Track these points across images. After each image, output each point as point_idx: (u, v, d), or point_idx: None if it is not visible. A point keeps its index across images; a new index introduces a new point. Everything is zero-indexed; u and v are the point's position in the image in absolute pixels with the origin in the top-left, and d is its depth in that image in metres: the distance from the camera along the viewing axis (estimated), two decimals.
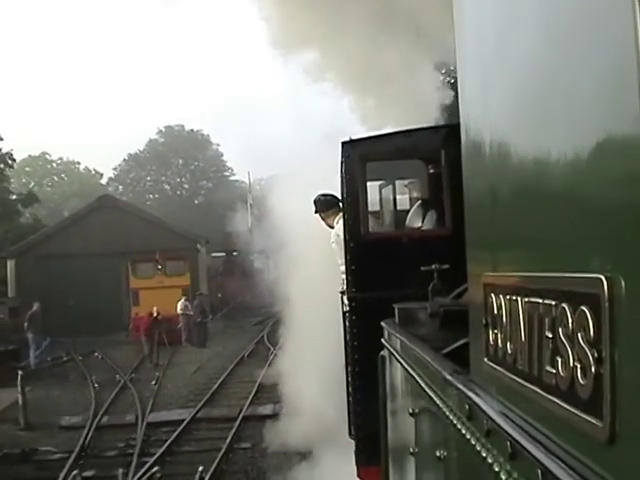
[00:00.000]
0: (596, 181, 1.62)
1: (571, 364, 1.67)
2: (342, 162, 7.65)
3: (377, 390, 5.84)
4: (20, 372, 18.34)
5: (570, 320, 1.67)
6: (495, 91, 2.41)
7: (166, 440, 15.15)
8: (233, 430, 15.60)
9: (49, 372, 24.56)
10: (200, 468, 12.42)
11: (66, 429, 17.08)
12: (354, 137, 7.73)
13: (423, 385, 3.61)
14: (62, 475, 12.66)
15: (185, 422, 16.62)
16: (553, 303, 1.78)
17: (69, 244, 37.30)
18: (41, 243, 38.27)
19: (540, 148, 2.00)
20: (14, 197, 41.11)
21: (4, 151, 38.47)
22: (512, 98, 2.26)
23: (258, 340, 30.17)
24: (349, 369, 8.00)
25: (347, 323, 8.00)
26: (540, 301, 1.88)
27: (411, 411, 4.06)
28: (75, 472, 12.65)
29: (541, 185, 1.99)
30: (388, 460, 5.61)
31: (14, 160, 40.70)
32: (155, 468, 12.86)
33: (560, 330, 1.73)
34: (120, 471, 12.71)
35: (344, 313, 8.48)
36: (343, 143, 7.54)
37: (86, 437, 15.57)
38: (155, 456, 13.82)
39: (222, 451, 14.07)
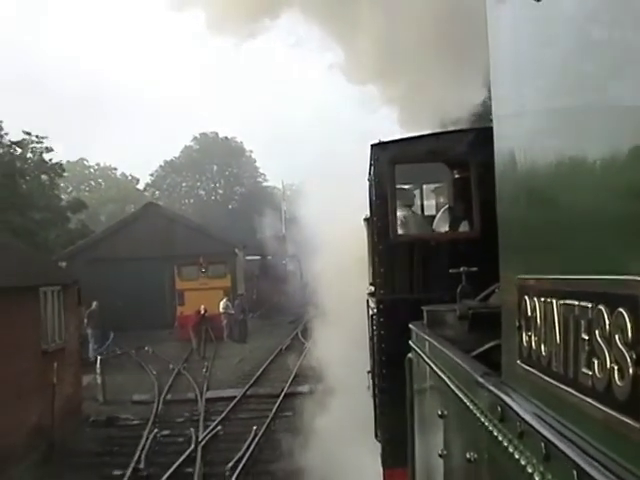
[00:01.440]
0: (633, 184, 1.63)
1: (608, 366, 1.67)
2: (371, 164, 7.66)
3: (404, 392, 5.85)
4: (99, 357, 22.16)
5: (607, 322, 1.68)
6: (529, 96, 2.42)
7: (223, 411, 18.61)
8: (278, 402, 18.98)
9: (108, 363, 26.71)
10: (254, 427, 16.16)
11: (138, 403, 20.65)
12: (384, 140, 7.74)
13: (453, 387, 3.62)
14: (145, 433, 16.43)
15: (239, 396, 20.12)
16: (589, 305, 1.79)
17: (116, 249, 39.39)
18: (90, 247, 40.25)
19: (575, 153, 2.01)
20: (63, 204, 43.21)
21: (54, 161, 40.79)
22: (546, 103, 2.27)
23: (293, 336, 32.36)
24: (376, 371, 8.01)
25: (374, 326, 8.00)
26: (576, 303, 1.89)
27: (440, 413, 4.06)
28: (155, 431, 16.59)
29: (577, 189, 2.00)
30: (415, 462, 5.61)
31: (64, 170, 42.97)
32: (218, 427, 16.81)
33: (597, 332, 1.74)
34: (191, 430, 16.46)
35: (371, 316, 8.49)
36: (372, 145, 7.54)
37: (157, 408, 19.34)
38: (219, 419, 17.59)
39: (270, 416, 17.59)
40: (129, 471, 14.09)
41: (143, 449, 15.29)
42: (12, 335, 14.74)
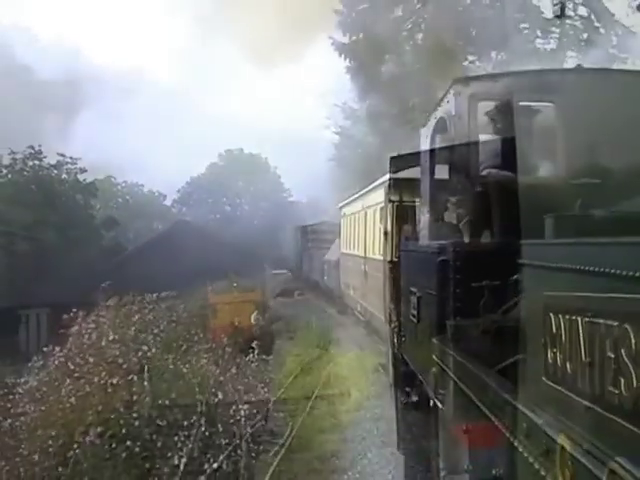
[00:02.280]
0: None
1: (635, 384, 1.68)
2: (391, 177, 7.68)
3: (427, 406, 5.83)
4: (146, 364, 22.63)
5: (633, 341, 1.69)
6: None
7: (260, 412, 19.57)
8: (310, 402, 19.99)
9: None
10: (291, 423, 17.61)
11: (182, 406, 22.01)
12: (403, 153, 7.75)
13: (477, 402, 3.62)
14: (194, 430, 17.22)
15: (277, 396, 20.88)
16: (615, 324, 1.80)
17: (148, 265, 40.73)
18: (124, 264, 41.84)
19: (600, 168, 2.03)
20: (96, 222, 45.34)
21: (88, 181, 42.80)
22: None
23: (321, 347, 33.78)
24: (398, 384, 7.99)
25: (395, 339, 7.97)
26: (601, 321, 1.90)
27: (464, 428, 4.05)
28: (202, 429, 17.43)
29: (603, 204, 2.02)
30: (439, 477, 5.59)
31: (97, 189, 45.09)
32: (261, 422, 18.10)
33: (623, 351, 1.74)
34: (234, 427, 17.43)
35: (392, 329, 8.47)
36: (392, 158, 7.57)
37: (201, 409, 20.28)
38: (259, 417, 18.33)
39: (304, 413, 18.62)
40: (184, 459, 15.26)
41: (195, 441, 16.61)
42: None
